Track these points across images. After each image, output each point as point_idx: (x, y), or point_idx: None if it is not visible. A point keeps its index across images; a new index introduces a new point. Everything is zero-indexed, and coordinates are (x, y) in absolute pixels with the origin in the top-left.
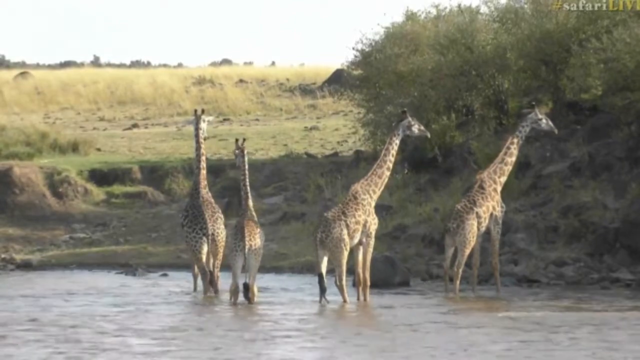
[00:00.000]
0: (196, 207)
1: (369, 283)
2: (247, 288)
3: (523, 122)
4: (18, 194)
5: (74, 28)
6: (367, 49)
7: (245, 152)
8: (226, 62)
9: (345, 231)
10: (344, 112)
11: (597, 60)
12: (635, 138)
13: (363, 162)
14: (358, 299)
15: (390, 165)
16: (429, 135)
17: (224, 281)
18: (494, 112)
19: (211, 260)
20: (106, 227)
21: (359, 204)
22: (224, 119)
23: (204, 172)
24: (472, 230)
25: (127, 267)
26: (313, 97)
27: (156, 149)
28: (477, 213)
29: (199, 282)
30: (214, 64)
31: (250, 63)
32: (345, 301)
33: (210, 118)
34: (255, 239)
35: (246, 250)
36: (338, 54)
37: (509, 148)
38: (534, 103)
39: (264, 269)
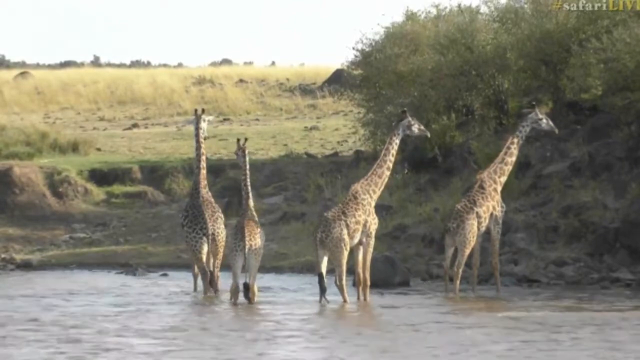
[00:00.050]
0: (196, 207)
1: (369, 283)
2: (247, 288)
3: (523, 122)
4: (18, 194)
5: (74, 28)
6: (367, 49)
7: (247, 152)
8: (226, 62)
9: (345, 231)
10: (344, 112)
11: (597, 60)
12: (635, 138)
13: (363, 162)
14: (358, 298)
15: (390, 165)
16: (428, 135)
17: (224, 281)
18: (494, 112)
19: (211, 260)
20: (106, 227)
21: (359, 203)
22: (224, 119)
23: (204, 171)
24: (472, 230)
25: (127, 267)
26: (313, 97)
27: (156, 149)
28: (477, 213)
29: (199, 282)
30: (214, 64)
31: (250, 63)
32: (345, 301)
33: (211, 118)
34: (255, 239)
35: (246, 250)
36: (338, 54)
37: (509, 148)
38: (534, 103)
39: (264, 268)
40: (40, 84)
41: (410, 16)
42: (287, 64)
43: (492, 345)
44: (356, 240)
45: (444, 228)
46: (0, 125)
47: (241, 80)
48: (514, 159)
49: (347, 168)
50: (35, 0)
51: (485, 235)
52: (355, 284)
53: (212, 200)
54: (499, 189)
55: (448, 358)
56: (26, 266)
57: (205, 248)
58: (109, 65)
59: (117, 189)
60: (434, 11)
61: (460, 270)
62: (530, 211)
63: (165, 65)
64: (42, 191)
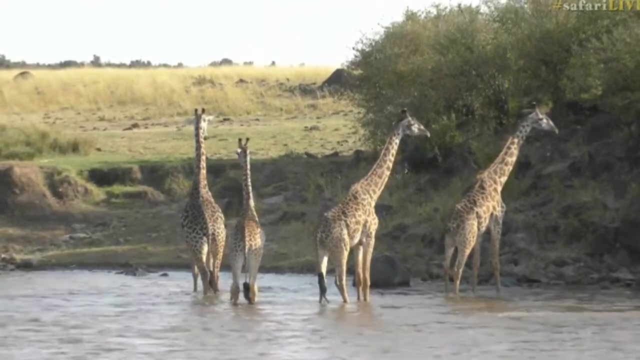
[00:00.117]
0: (196, 207)
1: (369, 283)
2: (247, 288)
3: (523, 122)
4: (18, 194)
5: (74, 28)
6: (367, 49)
7: (248, 152)
8: (226, 62)
9: (345, 231)
10: (344, 112)
11: (597, 60)
12: (635, 138)
13: (363, 162)
14: (358, 298)
15: (390, 165)
16: (428, 134)
17: (224, 281)
18: (494, 112)
19: (211, 260)
20: (106, 227)
21: (359, 203)
22: (224, 119)
23: (204, 171)
24: (472, 230)
25: (127, 267)
26: (313, 97)
27: (156, 149)
28: (477, 213)
29: (199, 282)
30: (214, 64)
31: (250, 63)
32: (345, 301)
33: (211, 117)
34: (255, 239)
35: (246, 250)
36: (338, 54)
37: (509, 148)
38: (534, 103)
39: (264, 269)
40: (40, 84)
41: (410, 16)
42: (287, 64)
43: (494, 345)
44: (356, 240)
45: (444, 228)
46: (0, 125)
47: (241, 80)
48: (514, 159)
49: (347, 168)
50: (35, 0)
51: (486, 236)
52: (355, 284)
53: (212, 200)
54: (499, 189)
55: (450, 358)
56: (26, 266)
57: (205, 248)
58: (109, 65)
59: (117, 189)
60: (434, 11)
61: (461, 270)
62: (530, 211)
63: (165, 65)
64: (42, 191)
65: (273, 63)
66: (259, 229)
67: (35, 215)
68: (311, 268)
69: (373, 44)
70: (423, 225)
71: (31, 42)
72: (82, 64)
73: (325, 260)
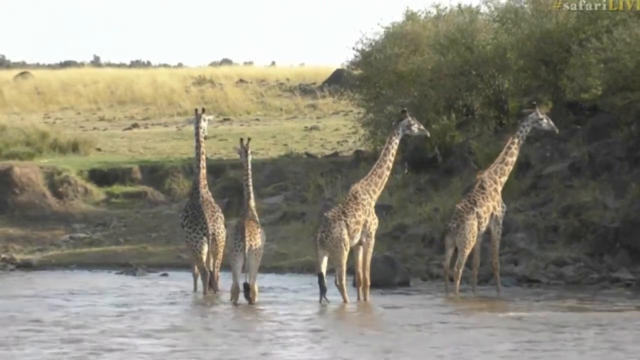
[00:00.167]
0: (196, 207)
1: (369, 283)
2: (247, 288)
3: (524, 122)
4: (18, 194)
5: (74, 28)
6: (367, 49)
7: (249, 151)
8: (226, 62)
9: (345, 231)
10: (344, 112)
11: (597, 60)
12: (635, 138)
13: (363, 162)
14: (358, 298)
15: (390, 165)
16: (428, 134)
17: (224, 281)
18: (494, 112)
19: (211, 260)
20: (106, 227)
21: (359, 203)
22: (224, 119)
23: (204, 171)
24: (472, 230)
25: (127, 267)
26: (313, 97)
27: (156, 149)
28: (477, 213)
29: (199, 282)
30: (214, 64)
31: (250, 63)
32: (345, 301)
33: (211, 117)
34: (255, 239)
35: (246, 250)
36: (338, 54)
37: (509, 148)
38: (534, 103)
39: (264, 269)
40: (40, 84)
41: (411, 16)
42: (287, 64)
43: (497, 345)
44: (356, 240)
45: (444, 228)
46: (0, 125)
47: (241, 80)
48: (514, 159)
49: (347, 168)
50: (35, 0)
51: (486, 236)
52: (355, 284)
53: (212, 200)
54: (500, 189)
55: (452, 358)
56: (26, 266)
57: (205, 248)
58: (109, 65)
59: (117, 189)
60: (434, 11)
61: (461, 271)
62: (530, 211)
63: (165, 65)
64: (42, 191)
65: (273, 63)
66: (259, 229)
67: (35, 215)
68: (311, 268)
69: (373, 44)
70: (423, 225)
71: (31, 42)
72: (82, 64)
73: (325, 260)
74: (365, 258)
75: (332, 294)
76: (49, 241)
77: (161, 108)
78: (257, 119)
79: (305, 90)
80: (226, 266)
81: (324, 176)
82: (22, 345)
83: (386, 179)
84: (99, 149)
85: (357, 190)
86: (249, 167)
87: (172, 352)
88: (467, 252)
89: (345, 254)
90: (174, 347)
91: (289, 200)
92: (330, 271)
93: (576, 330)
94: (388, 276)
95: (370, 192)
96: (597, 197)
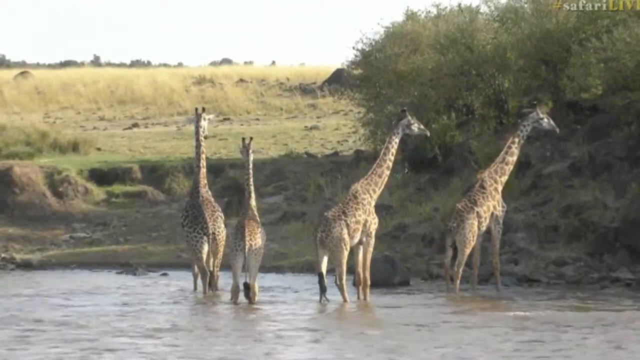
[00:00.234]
0: (196, 207)
1: (369, 282)
2: (247, 287)
3: (524, 122)
4: (18, 194)
5: (74, 28)
6: (367, 49)
7: (251, 151)
8: (226, 61)
9: (345, 231)
10: (344, 112)
11: (597, 59)
12: (635, 138)
13: (363, 161)
14: (358, 298)
15: (390, 165)
16: (428, 134)
17: (224, 281)
18: (494, 111)
19: (211, 260)
20: (106, 227)
21: (359, 203)
22: (224, 119)
23: (203, 170)
24: (473, 229)
25: (127, 266)
26: (313, 97)
27: (156, 149)
28: (477, 212)
29: (199, 281)
30: (214, 64)
31: (251, 62)
32: (345, 301)
33: (211, 116)
34: (255, 238)
35: (246, 249)
36: (338, 54)
37: (510, 147)
38: (535, 102)
39: (264, 268)
40: (40, 84)
41: (411, 16)
42: (287, 64)
43: (500, 344)
44: (356, 240)
45: (445, 227)
46: (1, 125)
47: (241, 80)
48: (514, 158)
49: (347, 168)
50: (35, 0)
51: (486, 235)
52: (355, 283)
53: (212, 199)
54: (500, 188)
55: (456, 357)
56: (26, 266)
57: (205, 248)
58: (109, 65)
59: (117, 188)
60: (434, 11)
61: (461, 270)
62: (531, 211)
63: (165, 65)
64: (42, 191)
65: (273, 63)
66: (259, 229)
67: (35, 215)
68: (311, 268)
69: (373, 43)
70: (423, 225)
71: (31, 42)
72: (82, 64)
73: (325, 259)
74: (365, 258)
75: (332, 294)
76: (49, 241)
77: (161, 108)
78: (257, 119)
79: (306, 89)
80: (226, 266)
81: (324, 176)
82: (26, 345)
83: (386, 179)
84: (99, 149)
85: (357, 190)
86: (250, 166)
87: (175, 351)
88: (467, 251)
89: (346, 253)
90: (177, 346)
91: (289, 199)
92: (330, 271)
93: (579, 329)
94: (388, 276)
95: (370, 191)
96: (597, 197)
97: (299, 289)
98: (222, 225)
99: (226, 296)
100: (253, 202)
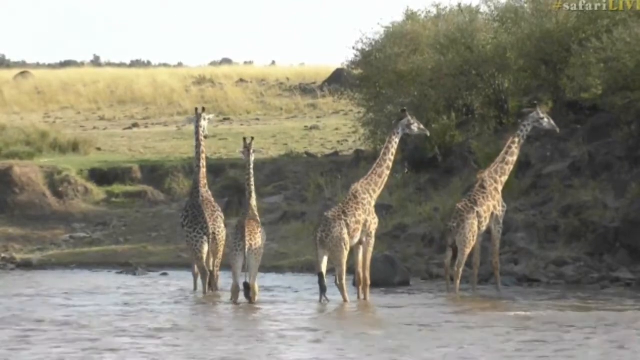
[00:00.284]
0: (196, 207)
1: (369, 282)
2: (247, 287)
3: (524, 122)
4: (18, 194)
5: (74, 28)
6: (367, 49)
7: (252, 151)
8: (226, 61)
9: (345, 230)
10: (344, 112)
11: (597, 59)
12: (635, 137)
13: (363, 161)
14: (358, 298)
15: (390, 164)
16: (428, 133)
17: (225, 280)
18: (494, 111)
19: (211, 260)
20: (106, 227)
21: (359, 203)
22: (224, 119)
23: (203, 170)
24: (473, 229)
25: (127, 266)
26: (313, 97)
27: (156, 149)
28: (477, 212)
29: (199, 281)
30: (214, 64)
31: (251, 62)
32: (345, 300)
33: (211, 116)
34: (255, 238)
35: (246, 249)
36: (338, 54)
37: (510, 147)
38: (535, 102)
39: (264, 268)
40: (40, 84)
41: (411, 16)
42: (287, 64)
43: (502, 344)
44: (356, 240)
45: (445, 227)
46: (1, 124)
47: (241, 80)
48: (515, 158)
49: (347, 168)
50: (35, 0)
51: (486, 235)
52: (356, 283)
53: (212, 199)
54: (500, 188)
55: (458, 357)
56: (26, 265)
57: (205, 248)
58: (109, 65)
59: (117, 188)
60: (434, 11)
61: (461, 270)
62: (531, 211)
63: (165, 65)
64: (42, 191)
65: (273, 63)
66: (259, 229)
67: (35, 215)
68: (311, 268)
69: (373, 43)
70: (423, 224)
71: (31, 42)
72: (82, 64)
73: (325, 259)
74: (365, 257)
75: (332, 294)
76: (49, 241)
77: (161, 108)
78: (257, 119)
79: (306, 89)
80: (226, 265)
81: (324, 176)
82: (27, 345)
83: (386, 179)
84: (99, 149)
85: (357, 190)
86: (251, 166)
87: (176, 351)
88: (467, 251)
89: (346, 253)
90: (178, 346)
91: (289, 199)
92: (330, 271)
93: (581, 329)
94: (388, 276)
95: (370, 191)
96: (597, 197)
97: (299, 289)
98: (222, 225)
99: (226, 296)
100: (254, 202)
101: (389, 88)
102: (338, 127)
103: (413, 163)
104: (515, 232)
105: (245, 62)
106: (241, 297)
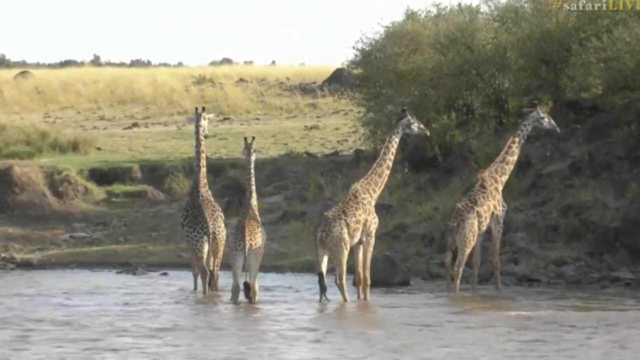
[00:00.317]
0: (196, 207)
1: (369, 282)
2: (248, 287)
3: (525, 121)
4: (18, 193)
5: (74, 28)
6: (367, 48)
7: (253, 150)
8: (226, 61)
9: (345, 230)
10: (344, 111)
11: (597, 59)
12: (635, 137)
13: (363, 161)
14: (358, 298)
15: (390, 164)
16: (428, 133)
17: (225, 280)
18: (494, 111)
19: (211, 259)
20: (106, 226)
21: (359, 203)
22: (224, 118)
23: (203, 170)
24: (473, 229)
25: (127, 266)
26: (313, 96)
27: (156, 148)
28: (478, 212)
29: (199, 281)
30: (214, 63)
31: (251, 62)
32: (345, 300)
33: (211, 116)
34: (255, 238)
35: (246, 249)
36: (338, 53)
37: (510, 147)
38: (535, 102)
39: (264, 268)
40: (40, 84)
41: (411, 15)
42: (288, 64)
43: (503, 344)
44: (356, 240)
45: (445, 227)
46: (0, 124)
47: (241, 80)
48: (515, 158)
49: (347, 167)
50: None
51: (486, 235)
52: (356, 283)
53: (212, 199)
54: (500, 188)
55: (459, 357)
56: (26, 265)
57: (205, 247)
58: (109, 64)
59: (117, 188)
60: (434, 10)
61: (461, 270)
62: (531, 210)
63: (165, 65)
64: (42, 190)
65: (273, 62)
66: (259, 228)
67: (35, 215)
68: (311, 267)
69: (373, 43)
70: (423, 224)
71: (31, 41)
72: (82, 64)
73: (325, 259)
74: (365, 257)
75: (333, 294)
76: (49, 240)
77: (161, 107)
78: (257, 118)
79: (306, 89)
80: (226, 265)
81: (324, 175)
82: (28, 345)
83: (386, 178)
84: (99, 148)
85: (357, 190)
86: (252, 166)
87: (177, 351)
88: (468, 251)
89: (346, 253)
90: (179, 346)
91: (289, 199)
92: (331, 270)
93: (583, 329)
94: (388, 275)
95: (370, 191)
96: (597, 197)
97: (300, 289)
98: (222, 225)
99: (226, 296)
100: (254, 201)
101: (389, 88)
102: (338, 127)
103: (413, 163)
104: (515, 232)
105: (245, 62)
106: (241, 297)
